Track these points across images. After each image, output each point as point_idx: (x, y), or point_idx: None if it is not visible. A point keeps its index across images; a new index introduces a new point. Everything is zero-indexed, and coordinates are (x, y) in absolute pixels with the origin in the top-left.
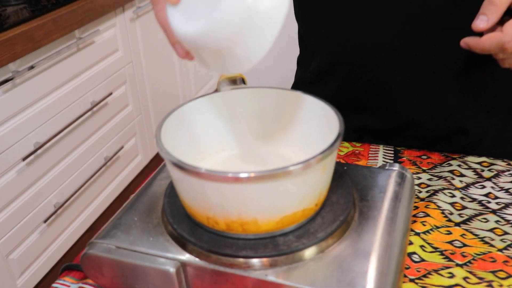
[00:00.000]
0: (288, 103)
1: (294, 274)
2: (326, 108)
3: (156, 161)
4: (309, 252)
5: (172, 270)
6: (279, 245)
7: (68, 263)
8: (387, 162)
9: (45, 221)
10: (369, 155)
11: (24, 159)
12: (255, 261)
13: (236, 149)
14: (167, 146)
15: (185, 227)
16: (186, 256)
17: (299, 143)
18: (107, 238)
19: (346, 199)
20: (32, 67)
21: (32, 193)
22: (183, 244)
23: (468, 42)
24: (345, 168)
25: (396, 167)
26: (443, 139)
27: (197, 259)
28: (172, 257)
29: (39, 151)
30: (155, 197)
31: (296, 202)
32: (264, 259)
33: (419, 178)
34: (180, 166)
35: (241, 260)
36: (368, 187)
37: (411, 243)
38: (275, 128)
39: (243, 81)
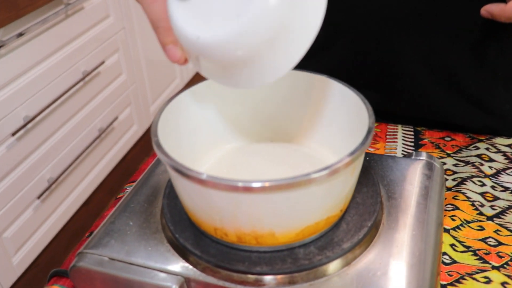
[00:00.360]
0: (304, 87)
1: None
2: (351, 95)
3: None
4: (333, 266)
5: (174, 287)
6: (299, 259)
7: (56, 269)
8: (407, 146)
9: (38, 197)
10: (387, 137)
11: (13, 134)
12: (271, 278)
13: (243, 140)
14: (165, 143)
15: (189, 236)
16: (190, 271)
17: (317, 135)
18: (99, 247)
19: (373, 199)
20: (21, 34)
21: (23, 169)
22: (187, 256)
23: (491, 9)
24: (367, 158)
25: (424, 156)
26: (459, 118)
27: (203, 274)
28: (175, 271)
29: (29, 125)
30: (153, 196)
31: (319, 211)
32: (282, 276)
33: (444, 163)
34: (183, 172)
35: (256, 277)
36: (394, 182)
37: None
38: (289, 116)
39: None
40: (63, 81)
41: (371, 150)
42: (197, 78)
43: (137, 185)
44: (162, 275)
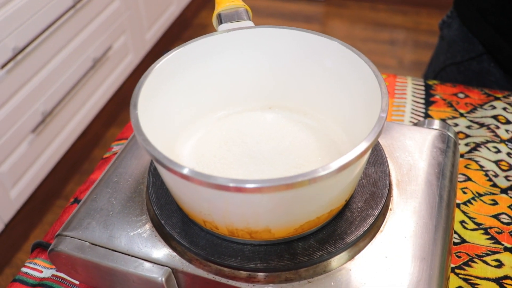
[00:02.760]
0: (314, 51)
1: None
2: (365, 68)
3: (149, 59)
4: (334, 262)
5: (161, 279)
6: (297, 254)
7: (39, 241)
8: (417, 103)
9: (33, 131)
10: (396, 91)
11: (3, 66)
12: (265, 274)
13: (240, 106)
14: (148, 117)
15: (176, 224)
16: (178, 262)
17: (321, 105)
18: (79, 229)
19: (381, 182)
20: None
21: (15, 103)
22: (174, 245)
23: None
24: None
25: (436, 125)
26: None
27: (192, 266)
28: (161, 261)
29: (19, 57)
30: (138, 169)
31: (320, 207)
32: (278, 273)
33: (456, 124)
34: (167, 167)
35: (249, 273)
36: (404, 157)
37: None
38: (291, 82)
39: (247, 15)
40: (52, 8)
41: None
42: (194, 5)
43: (120, 155)
44: (147, 264)
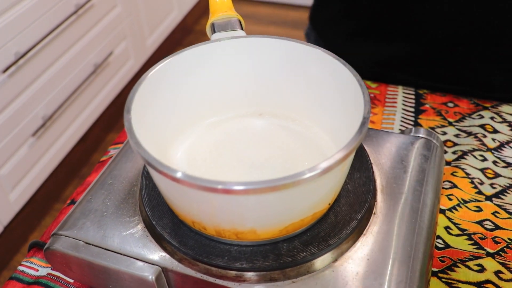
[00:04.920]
0: (299, 59)
1: None
2: (347, 74)
3: (150, 65)
4: (318, 263)
5: (151, 278)
6: (282, 255)
7: (36, 241)
8: (407, 112)
9: (33, 135)
10: (386, 100)
11: (4, 71)
12: (251, 274)
13: (230, 113)
14: (141, 122)
15: (167, 225)
16: (168, 261)
17: (308, 112)
18: (74, 229)
19: (365, 187)
20: None
21: (17, 107)
22: (164, 245)
23: None
24: None
25: (422, 133)
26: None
27: (181, 265)
28: (152, 260)
29: (20, 62)
30: (132, 172)
31: (304, 209)
32: (263, 273)
33: (445, 133)
34: (157, 169)
35: (235, 272)
36: (389, 164)
37: None
38: (279, 90)
39: (239, 25)
40: (54, 14)
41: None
42: (196, 11)
43: (116, 158)
44: (139, 263)
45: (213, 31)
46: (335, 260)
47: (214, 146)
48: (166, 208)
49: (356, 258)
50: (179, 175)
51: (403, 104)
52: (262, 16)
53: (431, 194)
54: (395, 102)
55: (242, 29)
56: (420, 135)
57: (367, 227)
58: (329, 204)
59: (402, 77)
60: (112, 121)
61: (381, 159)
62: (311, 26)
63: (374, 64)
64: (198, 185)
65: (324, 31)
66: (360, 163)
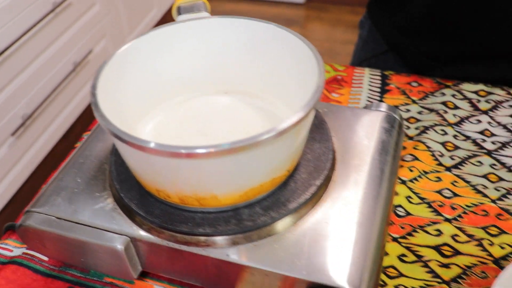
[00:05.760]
0: (259, 37)
1: (260, 253)
2: (303, 47)
3: None
4: (277, 227)
5: (120, 247)
6: (243, 220)
7: (11, 223)
8: (373, 92)
9: (13, 134)
10: (353, 81)
11: None
12: (214, 238)
13: (197, 92)
14: (107, 101)
15: (134, 196)
16: (136, 231)
17: (272, 88)
18: (46, 206)
19: (324, 156)
20: None
21: None
22: (132, 216)
23: None
24: (325, 110)
25: (383, 107)
26: None
27: (148, 234)
28: (120, 231)
29: None
30: (103, 151)
31: (263, 174)
32: (225, 237)
33: (408, 110)
34: (119, 137)
35: (198, 238)
36: (350, 136)
37: (396, 194)
38: (243, 68)
39: (205, 7)
40: (31, 13)
41: (335, 96)
42: None
43: (88, 139)
44: (108, 234)
45: (179, 13)
46: (295, 223)
47: (180, 123)
48: (134, 182)
49: (315, 222)
50: (140, 141)
51: (369, 85)
52: (242, 13)
53: (390, 163)
54: (361, 83)
55: (207, 11)
56: (382, 110)
57: (326, 193)
58: (288, 171)
59: (448, 71)
60: (93, 119)
61: (343, 132)
62: (367, 15)
63: (424, 57)
64: (158, 150)
65: (380, 21)
66: (321, 134)
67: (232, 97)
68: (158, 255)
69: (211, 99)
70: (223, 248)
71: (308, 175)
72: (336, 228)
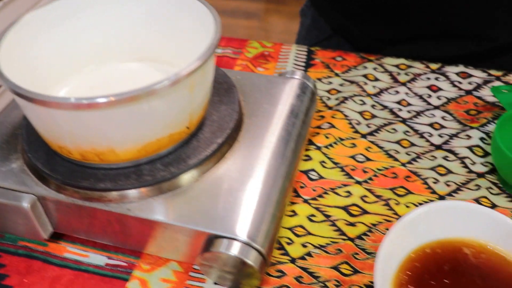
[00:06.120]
0: (165, 6)
1: (160, 207)
2: (207, 14)
3: None
4: (178, 182)
5: (26, 205)
6: (143, 175)
7: None
8: (298, 66)
9: None
10: (279, 56)
11: None
12: (115, 194)
13: (109, 60)
14: (7, 63)
15: (41, 156)
16: (42, 189)
17: (181, 53)
18: None
19: (230, 117)
20: None
21: None
22: (40, 176)
23: None
24: (238, 77)
25: (298, 75)
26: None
27: (54, 192)
28: (27, 190)
29: None
30: (19, 118)
31: (157, 128)
32: (125, 191)
33: (330, 83)
34: (17, 92)
35: (100, 193)
36: (261, 101)
37: (310, 159)
38: (152, 34)
39: None
40: None
41: (261, 70)
42: None
43: (6, 108)
44: (15, 194)
45: None
46: (196, 179)
47: (91, 88)
48: (42, 142)
49: (217, 178)
50: (34, 94)
51: (295, 59)
52: None
53: (298, 126)
54: (287, 58)
55: None
56: (296, 77)
57: (230, 151)
58: (187, 128)
59: (396, 51)
60: None
61: (254, 97)
62: (308, 3)
63: (371, 39)
64: (54, 102)
65: (323, 7)
66: (229, 98)
67: (143, 64)
68: (65, 214)
69: (123, 66)
70: (124, 203)
71: (212, 134)
72: (238, 184)
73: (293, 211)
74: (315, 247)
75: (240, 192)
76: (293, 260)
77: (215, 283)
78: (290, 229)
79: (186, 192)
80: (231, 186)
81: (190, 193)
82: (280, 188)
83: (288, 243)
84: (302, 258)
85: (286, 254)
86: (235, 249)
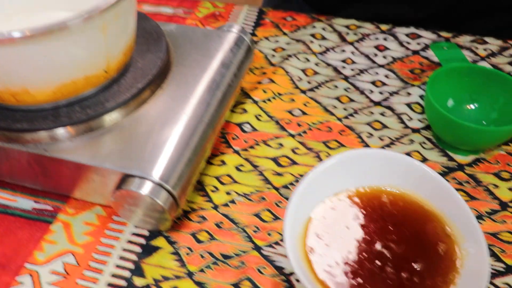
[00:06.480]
0: None
1: (75, 147)
2: None
3: None
4: (94, 124)
5: None
6: (60, 116)
7: None
8: (247, 25)
9: None
10: (230, 16)
11: None
12: (32, 134)
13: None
14: None
15: None
16: None
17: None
18: None
19: (154, 64)
20: None
21: None
22: None
23: None
24: (174, 30)
25: (235, 29)
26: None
27: None
28: None
29: None
30: None
31: (70, 68)
32: (43, 132)
33: (277, 41)
34: None
35: (17, 134)
36: (193, 52)
37: (245, 112)
38: None
39: None
40: None
41: (209, 28)
42: None
43: None
44: None
45: None
46: (114, 123)
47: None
48: None
49: (136, 122)
50: None
51: (245, 19)
52: None
53: (228, 77)
54: (237, 18)
55: None
56: (233, 31)
57: (153, 97)
58: (105, 71)
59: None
60: None
61: (187, 48)
62: None
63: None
64: None
65: None
66: (156, 47)
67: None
68: None
69: (53, 14)
70: (41, 144)
71: (134, 80)
72: (157, 128)
73: (222, 161)
74: (239, 195)
75: (158, 136)
76: (215, 207)
77: (136, 227)
78: (217, 177)
79: (103, 134)
80: (149, 130)
81: (107, 135)
82: (201, 135)
83: (213, 191)
84: (225, 205)
85: (210, 201)
86: (146, 189)
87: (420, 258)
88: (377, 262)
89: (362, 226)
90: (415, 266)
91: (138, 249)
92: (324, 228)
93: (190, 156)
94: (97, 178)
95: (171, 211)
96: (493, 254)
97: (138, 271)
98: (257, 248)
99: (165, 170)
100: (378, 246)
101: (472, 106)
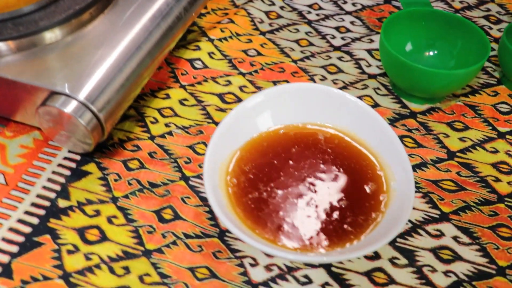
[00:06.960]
0: None
1: (5, 64)
2: None
3: None
4: (26, 42)
5: None
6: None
7: None
8: None
9: None
10: None
11: None
12: None
13: None
14: None
15: None
16: None
17: None
18: None
19: None
20: None
21: None
22: None
23: None
24: None
25: None
26: None
27: None
28: None
29: None
30: None
31: None
32: None
33: None
34: None
35: None
36: None
37: (198, 49)
38: None
39: None
40: None
41: None
42: None
43: None
44: None
45: None
46: (47, 43)
47: None
48: None
49: (69, 44)
50: None
51: None
52: None
53: (177, 11)
54: None
55: None
56: None
57: (92, 22)
58: None
59: None
60: None
61: None
62: None
63: None
64: None
65: None
66: None
67: None
68: None
69: None
70: None
71: (73, 2)
72: (92, 51)
73: (167, 94)
74: (178, 127)
75: (93, 58)
76: (152, 138)
77: (69, 151)
78: (158, 109)
79: (35, 53)
80: (85, 52)
81: (39, 54)
82: (138, 63)
83: (152, 122)
84: (162, 136)
85: (147, 131)
86: (70, 107)
87: (346, 196)
88: (300, 197)
89: (291, 161)
90: (339, 203)
91: (67, 172)
92: (250, 161)
93: (123, 82)
94: (26, 96)
95: (95, 133)
96: (430, 201)
97: (63, 193)
98: (185, 178)
99: (92, 91)
100: (304, 181)
101: (431, 53)
